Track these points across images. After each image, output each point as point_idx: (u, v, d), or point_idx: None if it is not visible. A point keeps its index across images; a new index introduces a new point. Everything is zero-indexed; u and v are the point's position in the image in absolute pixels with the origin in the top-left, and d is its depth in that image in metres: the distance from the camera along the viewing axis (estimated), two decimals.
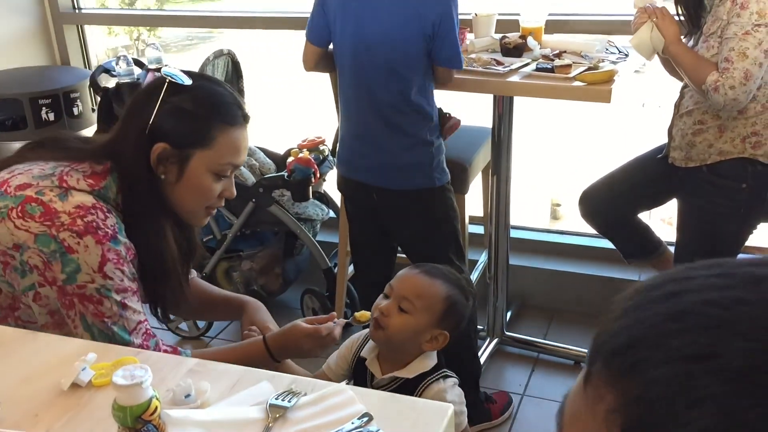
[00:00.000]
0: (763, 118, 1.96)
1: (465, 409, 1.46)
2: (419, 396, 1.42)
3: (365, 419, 0.92)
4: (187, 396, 0.98)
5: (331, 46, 2.17)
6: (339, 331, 1.46)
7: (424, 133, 2.09)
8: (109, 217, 1.20)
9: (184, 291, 1.42)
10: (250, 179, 2.79)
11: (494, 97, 2.40)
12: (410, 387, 1.42)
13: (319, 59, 2.19)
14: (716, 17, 1.94)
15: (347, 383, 1.43)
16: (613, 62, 2.27)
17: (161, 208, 1.30)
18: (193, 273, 1.63)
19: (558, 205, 4.96)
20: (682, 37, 2.00)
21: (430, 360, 1.46)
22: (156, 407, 0.85)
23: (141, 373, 0.84)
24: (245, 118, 1.33)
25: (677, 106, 2.13)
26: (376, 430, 0.91)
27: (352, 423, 0.92)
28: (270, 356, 1.40)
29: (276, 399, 0.96)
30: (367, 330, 1.50)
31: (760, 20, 1.83)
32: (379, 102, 2.05)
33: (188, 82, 1.26)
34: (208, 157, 1.27)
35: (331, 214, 2.98)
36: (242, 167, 2.80)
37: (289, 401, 0.95)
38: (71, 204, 1.17)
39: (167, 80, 1.24)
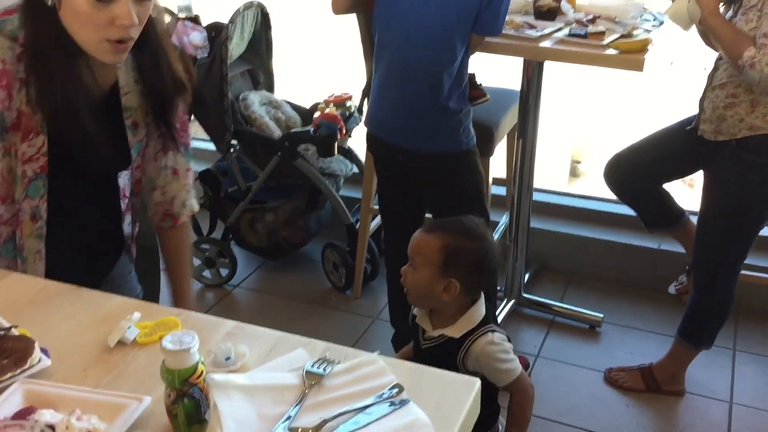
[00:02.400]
0: None
1: (513, 359, 1.55)
2: (466, 353, 1.52)
3: (396, 390, 0.97)
4: (227, 359, 1.02)
5: None
6: None
7: (453, 99, 2.08)
8: None
9: (94, 138, 1.29)
10: (276, 132, 2.81)
11: (524, 60, 2.39)
12: (458, 345, 1.53)
13: (351, 5, 2.18)
14: None
15: None
16: (647, 30, 2.24)
17: (64, 45, 1.22)
18: (185, 217, 1.60)
19: (578, 162, 4.94)
20: (720, 7, 1.97)
21: (476, 316, 1.55)
22: (201, 371, 0.90)
23: (189, 339, 0.88)
24: None
25: (710, 77, 2.11)
26: (407, 400, 0.95)
27: (383, 393, 0.96)
28: None
29: (312, 366, 1.01)
30: None
31: None
32: (417, 66, 2.04)
33: None
34: None
35: (355, 170, 3.01)
36: (268, 119, 2.82)
37: (324, 369, 1.00)
38: None
39: None
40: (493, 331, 1.54)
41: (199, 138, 3.10)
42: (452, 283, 1.51)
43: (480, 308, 1.57)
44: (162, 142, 1.45)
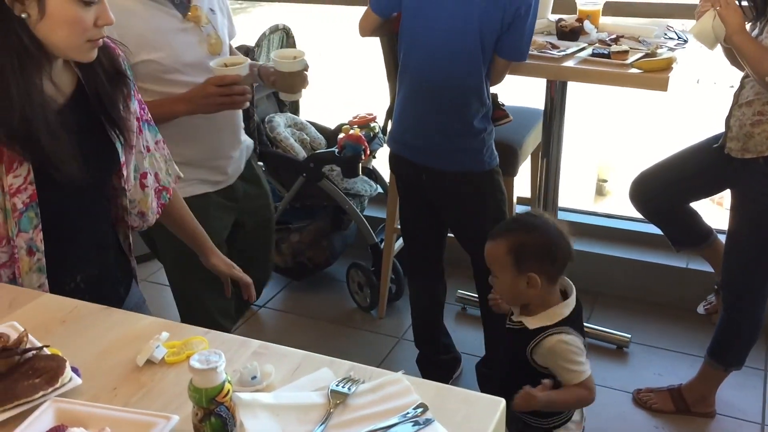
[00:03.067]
0: None
1: (584, 362, 1.61)
2: (536, 346, 1.61)
3: (420, 410, 0.97)
4: (254, 378, 1.03)
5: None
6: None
7: (477, 119, 2.10)
8: None
9: (69, 149, 1.23)
10: (302, 154, 2.85)
11: (547, 80, 2.40)
12: (531, 337, 1.62)
13: (378, 27, 2.21)
14: None
15: None
16: (671, 48, 2.24)
17: (24, 61, 1.18)
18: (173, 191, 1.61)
19: (604, 180, 4.91)
20: (746, 25, 1.96)
21: (557, 315, 1.62)
22: (228, 390, 0.91)
23: (216, 359, 0.89)
24: None
25: (737, 96, 2.10)
26: (432, 420, 0.95)
27: (408, 413, 0.96)
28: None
29: (337, 385, 1.01)
30: None
31: None
32: (441, 85, 2.06)
33: None
34: None
35: (379, 190, 3.03)
36: (293, 141, 2.86)
37: (348, 388, 1.01)
38: None
39: None
40: (567, 333, 1.60)
41: None
42: (532, 277, 1.60)
43: (564, 309, 1.64)
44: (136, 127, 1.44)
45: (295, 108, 3.09)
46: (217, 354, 0.90)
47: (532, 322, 1.63)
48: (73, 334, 1.18)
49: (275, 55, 1.95)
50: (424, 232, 2.38)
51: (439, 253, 2.41)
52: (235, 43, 2.75)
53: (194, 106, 1.81)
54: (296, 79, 1.93)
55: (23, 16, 1.17)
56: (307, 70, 1.93)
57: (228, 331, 2.12)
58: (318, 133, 3.05)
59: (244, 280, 1.74)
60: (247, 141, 2.16)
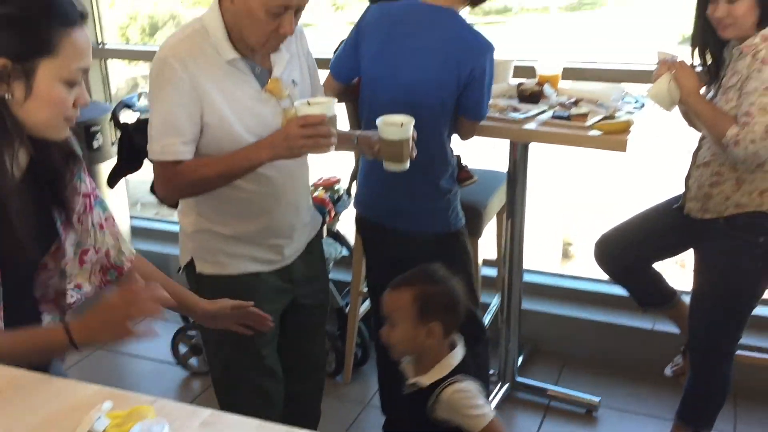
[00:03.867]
0: None
1: (483, 405, 1.59)
2: (435, 401, 1.59)
3: None
4: None
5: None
6: (161, 293, 1.25)
7: (442, 179, 2.10)
8: None
9: (24, 220, 1.20)
10: None
11: (510, 142, 2.42)
12: (428, 394, 1.61)
13: (341, 93, 2.22)
14: (735, 71, 1.95)
15: None
16: (629, 112, 2.28)
17: (4, 132, 1.17)
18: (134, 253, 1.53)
19: (570, 244, 4.95)
20: (702, 88, 2.01)
21: (448, 366, 1.62)
22: None
23: (158, 429, 0.84)
24: (83, 15, 1.22)
25: (695, 156, 2.14)
26: None
27: None
28: (70, 342, 1.21)
29: None
30: None
31: None
32: None
33: None
34: (55, 65, 1.17)
35: (345, 252, 2.99)
36: None
37: None
38: None
39: None
40: (460, 381, 1.59)
41: None
42: (433, 326, 1.61)
43: (453, 358, 1.64)
44: (83, 204, 1.38)
45: None
46: (160, 424, 0.85)
47: (425, 380, 1.63)
48: (11, 405, 1.10)
49: (380, 121, 1.77)
50: None
51: None
52: None
53: (276, 151, 1.60)
54: (404, 148, 1.76)
55: (7, 96, 1.16)
56: (415, 138, 1.78)
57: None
58: None
59: (245, 305, 1.66)
60: (314, 219, 1.97)
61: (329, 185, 2.82)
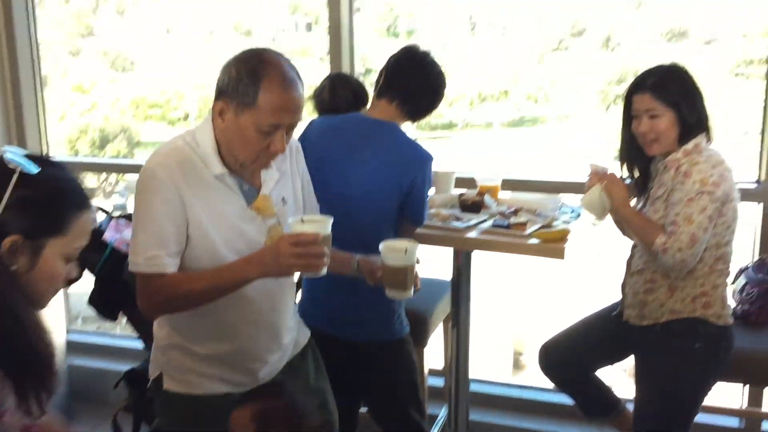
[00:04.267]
0: (711, 279, 2.03)
1: None
2: None
3: None
4: None
5: None
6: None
7: None
8: None
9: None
10: None
11: (453, 250, 2.46)
12: None
13: None
14: (661, 183, 2.06)
15: None
16: (566, 222, 2.36)
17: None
18: None
19: (520, 354, 4.96)
20: (633, 200, 2.11)
21: None
22: None
23: None
24: (90, 199, 1.29)
25: (628, 264, 2.20)
26: None
27: None
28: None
29: None
30: None
31: (703, 188, 1.94)
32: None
33: (35, 170, 1.20)
34: (61, 243, 1.21)
35: None
36: None
37: None
38: None
39: (17, 171, 1.17)
40: None
41: (124, 336, 2.99)
42: None
43: None
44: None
45: None
46: None
47: None
48: None
49: (383, 247, 1.73)
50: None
51: (350, 426, 2.30)
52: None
53: (266, 268, 1.55)
54: (408, 276, 1.70)
55: (12, 267, 1.18)
56: (418, 263, 1.73)
57: None
58: None
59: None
60: (295, 340, 1.88)
61: None
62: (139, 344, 2.90)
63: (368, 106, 2.30)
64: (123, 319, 2.69)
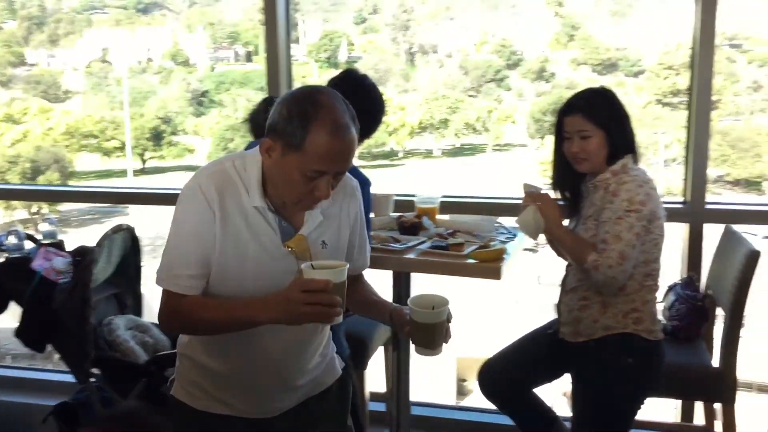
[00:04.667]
0: (641, 295, 2.08)
1: None
2: None
3: None
4: None
5: None
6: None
7: None
8: None
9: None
10: (142, 357, 2.67)
11: (393, 272, 2.47)
12: None
13: None
14: (592, 202, 2.12)
15: None
16: (503, 242, 2.40)
17: None
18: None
19: (464, 380, 4.98)
20: (566, 220, 2.16)
21: None
22: None
23: None
24: None
25: (563, 282, 2.25)
26: None
27: None
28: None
29: None
30: None
31: (630, 207, 2.00)
32: None
33: None
34: None
35: None
36: (133, 344, 2.70)
37: None
38: None
39: None
40: None
41: (54, 370, 2.87)
42: None
43: None
44: None
45: (137, 309, 2.95)
46: None
47: None
48: None
49: (411, 302, 1.59)
50: None
51: None
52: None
53: (274, 314, 1.44)
54: (437, 333, 1.56)
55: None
56: (450, 321, 1.59)
57: None
58: (162, 335, 2.90)
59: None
60: (317, 381, 1.73)
61: None
62: (68, 377, 2.80)
63: None
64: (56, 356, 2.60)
